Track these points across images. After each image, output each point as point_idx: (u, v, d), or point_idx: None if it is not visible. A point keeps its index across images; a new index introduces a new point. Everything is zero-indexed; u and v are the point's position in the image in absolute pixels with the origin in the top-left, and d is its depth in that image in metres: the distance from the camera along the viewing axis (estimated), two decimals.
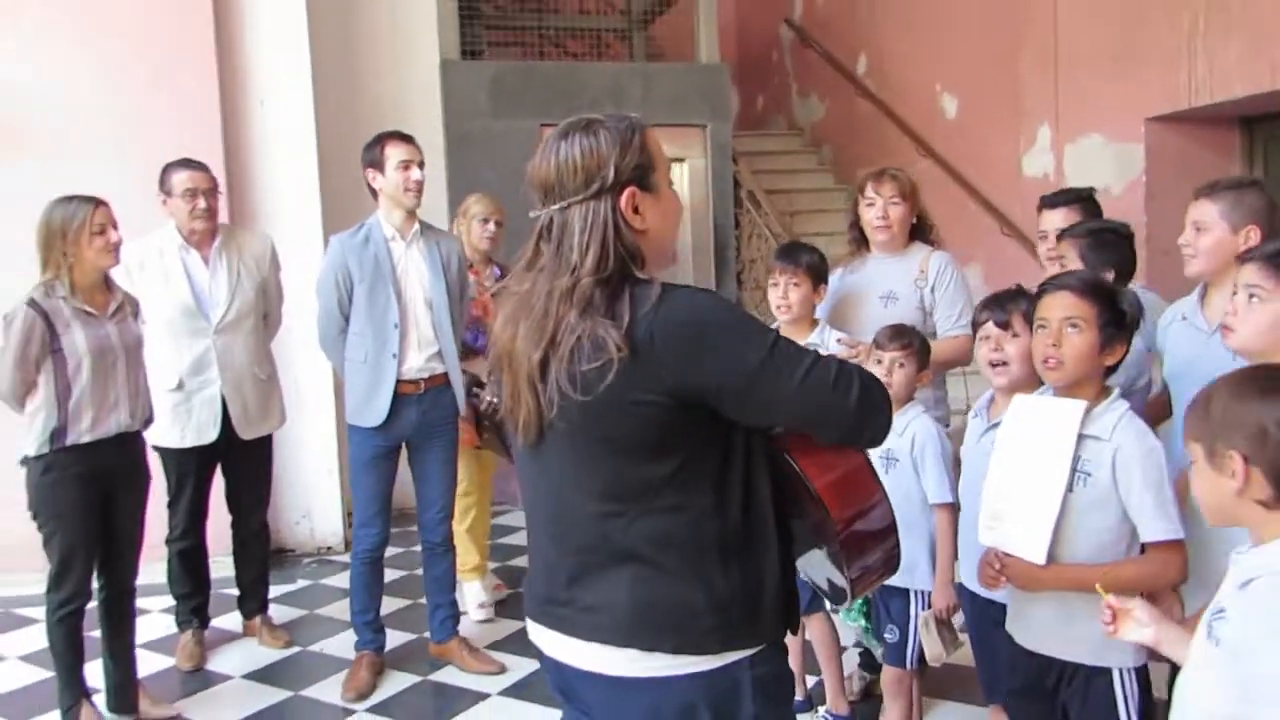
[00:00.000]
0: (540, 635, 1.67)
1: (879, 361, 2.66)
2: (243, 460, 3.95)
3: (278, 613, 4.38)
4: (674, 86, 6.52)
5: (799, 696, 3.27)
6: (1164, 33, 5.20)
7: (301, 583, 4.86)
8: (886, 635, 2.70)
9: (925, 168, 7.30)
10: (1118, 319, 2.06)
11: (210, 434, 3.81)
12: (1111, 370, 2.12)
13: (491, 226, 4.27)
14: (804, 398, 1.51)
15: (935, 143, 7.29)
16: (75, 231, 3.15)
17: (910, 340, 2.68)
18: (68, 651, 3.29)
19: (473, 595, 4.31)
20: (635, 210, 1.55)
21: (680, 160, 6.58)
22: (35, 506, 3.23)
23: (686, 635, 1.53)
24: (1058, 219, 3.07)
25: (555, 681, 1.70)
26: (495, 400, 2.25)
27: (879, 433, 1.62)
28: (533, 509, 1.71)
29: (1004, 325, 2.35)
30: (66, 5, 4.71)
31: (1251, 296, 1.98)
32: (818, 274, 3.04)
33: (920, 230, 3.28)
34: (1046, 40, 6.08)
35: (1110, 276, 2.58)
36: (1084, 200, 3.13)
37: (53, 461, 3.18)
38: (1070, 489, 2.02)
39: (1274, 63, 4.63)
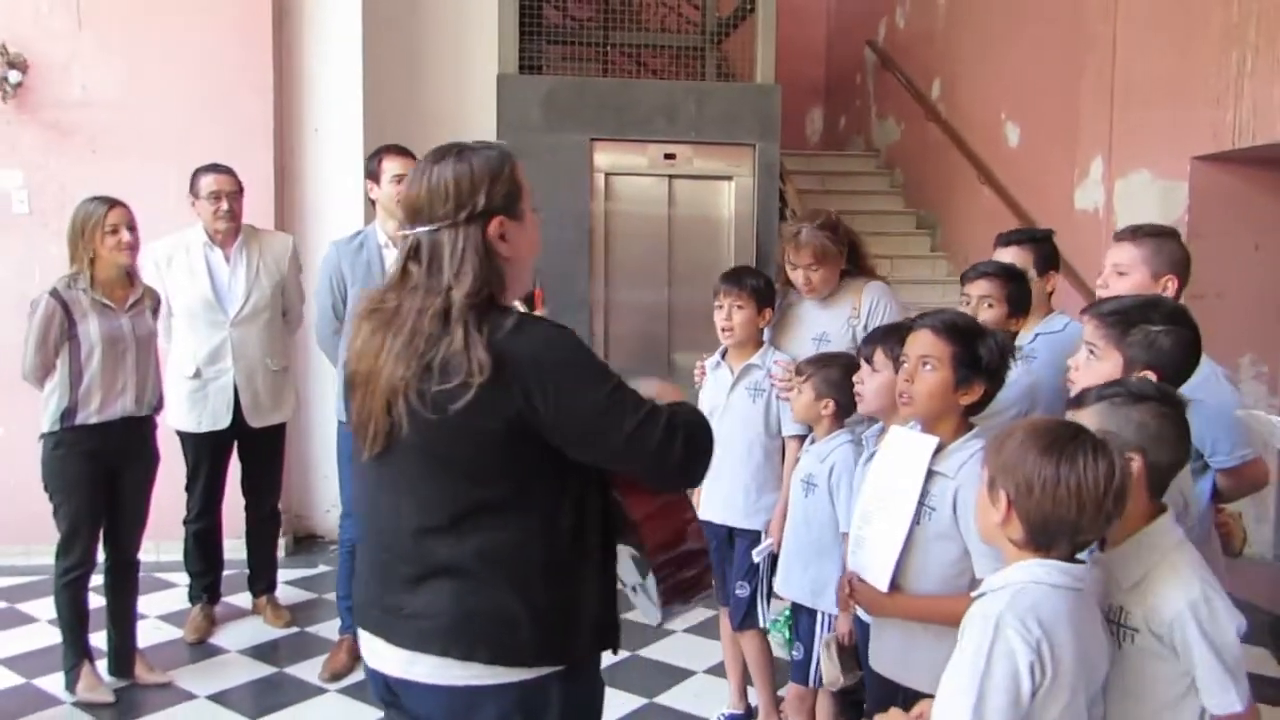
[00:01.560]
0: (369, 645, 1.73)
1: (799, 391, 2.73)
2: (255, 447, 4.21)
3: (293, 595, 4.64)
4: (726, 105, 6.58)
5: (737, 709, 3.34)
6: (1213, 70, 5.07)
7: (322, 568, 5.12)
8: (794, 653, 2.76)
9: (987, 195, 7.24)
10: (974, 360, 2.10)
11: (224, 420, 4.08)
12: (974, 409, 2.15)
13: None
14: (629, 449, 1.59)
15: (997, 170, 7.21)
16: (91, 230, 3.44)
17: (818, 366, 2.73)
18: (72, 615, 3.59)
19: None
20: (502, 238, 1.63)
21: (728, 178, 6.65)
22: (46, 479, 3.54)
23: (503, 646, 1.60)
24: (1007, 256, 3.04)
25: (376, 690, 1.77)
26: None
27: (693, 478, 1.70)
28: (368, 518, 1.77)
29: (869, 359, 2.40)
30: (142, 27, 5.08)
31: (1091, 353, 2.00)
32: (762, 298, 3.10)
33: (853, 260, 3.27)
34: (1105, 71, 5.96)
35: (1021, 322, 2.61)
36: (1038, 241, 3.09)
37: (62, 438, 3.48)
38: (917, 521, 2.07)
39: None
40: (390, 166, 3.70)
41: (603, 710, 1.80)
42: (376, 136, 5.48)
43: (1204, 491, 2.36)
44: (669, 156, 6.55)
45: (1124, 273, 2.49)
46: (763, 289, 3.11)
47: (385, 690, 1.73)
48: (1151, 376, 1.92)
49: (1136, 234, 2.52)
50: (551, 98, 6.34)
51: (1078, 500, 1.52)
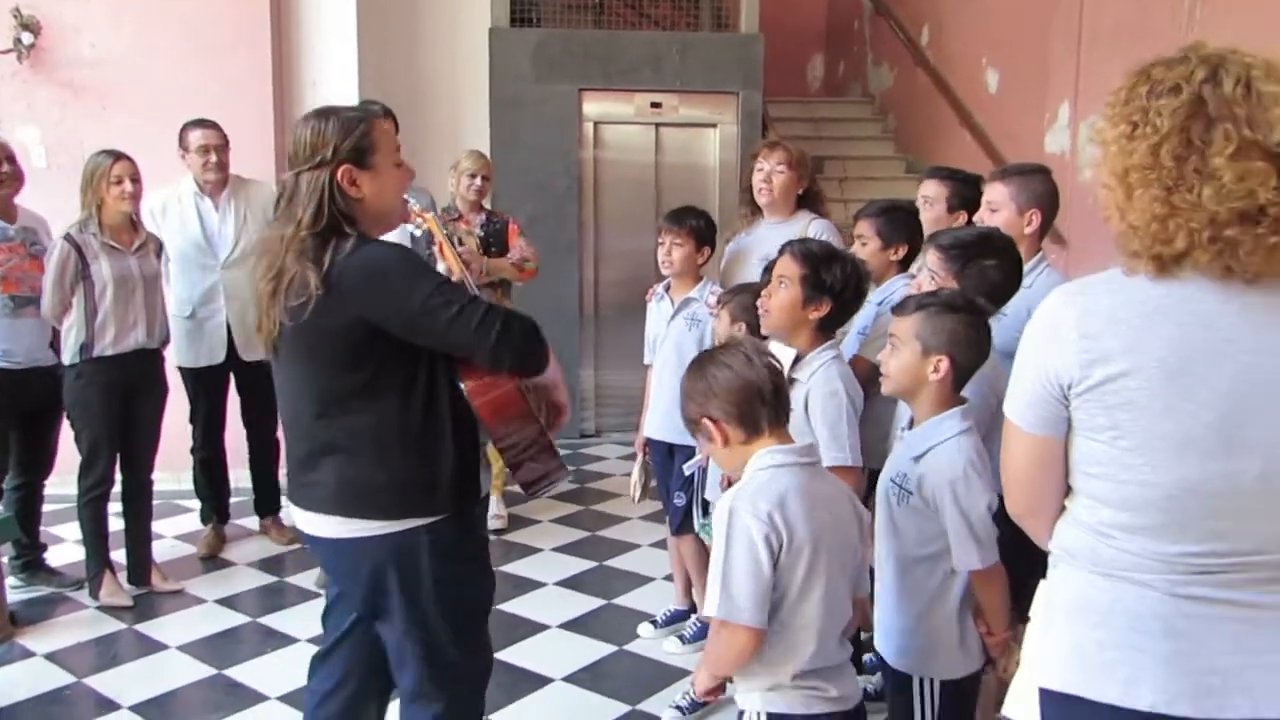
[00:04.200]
0: (294, 513, 2.14)
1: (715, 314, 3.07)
2: (250, 380, 4.58)
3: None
4: (710, 55, 6.82)
5: (681, 605, 3.72)
6: (1169, 17, 5.26)
7: None
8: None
9: (968, 140, 7.45)
10: (820, 281, 2.43)
11: (219, 355, 4.46)
12: (824, 324, 2.48)
13: (478, 181, 4.70)
14: (453, 329, 1.93)
15: (978, 115, 7.41)
16: (98, 180, 3.81)
17: (734, 294, 3.04)
18: (94, 529, 4.01)
19: (494, 508, 4.80)
20: (353, 182, 1.99)
21: (713, 126, 6.92)
22: (69, 407, 3.95)
23: (375, 506, 2.00)
24: (928, 188, 3.27)
25: (310, 547, 2.19)
26: None
27: (519, 364, 2.02)
28: (281, 409, 2.16)
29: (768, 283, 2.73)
30: None
31: (933, 278, 2.31)
32: (701, 236, 3.41)
33: (808, 200, 3.58)
34: (1073, 17, 6.13)
35: (904, 250, 2.92)
36: (960, 180, 3.33)
37: (82, 370, 3.87)
38: None
39: (1261, 50, 4.68)
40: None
41: (478, 554, 2.20)
42: (372, 89, 5.82)
43: None
44: (655, 105, 6.83)
45: (995, 209, 2.78)
46: (701, 228, 3.42)
47: (310, 542, 2.15)
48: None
49: (1005, 174, 2.81)
50: (541, 49, 6.61)
51: (727, 382, 1.83)
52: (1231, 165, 1.25)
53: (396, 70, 6.22)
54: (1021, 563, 1.87)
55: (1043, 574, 1.53)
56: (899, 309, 2.10)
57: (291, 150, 2.03)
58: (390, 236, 2.20)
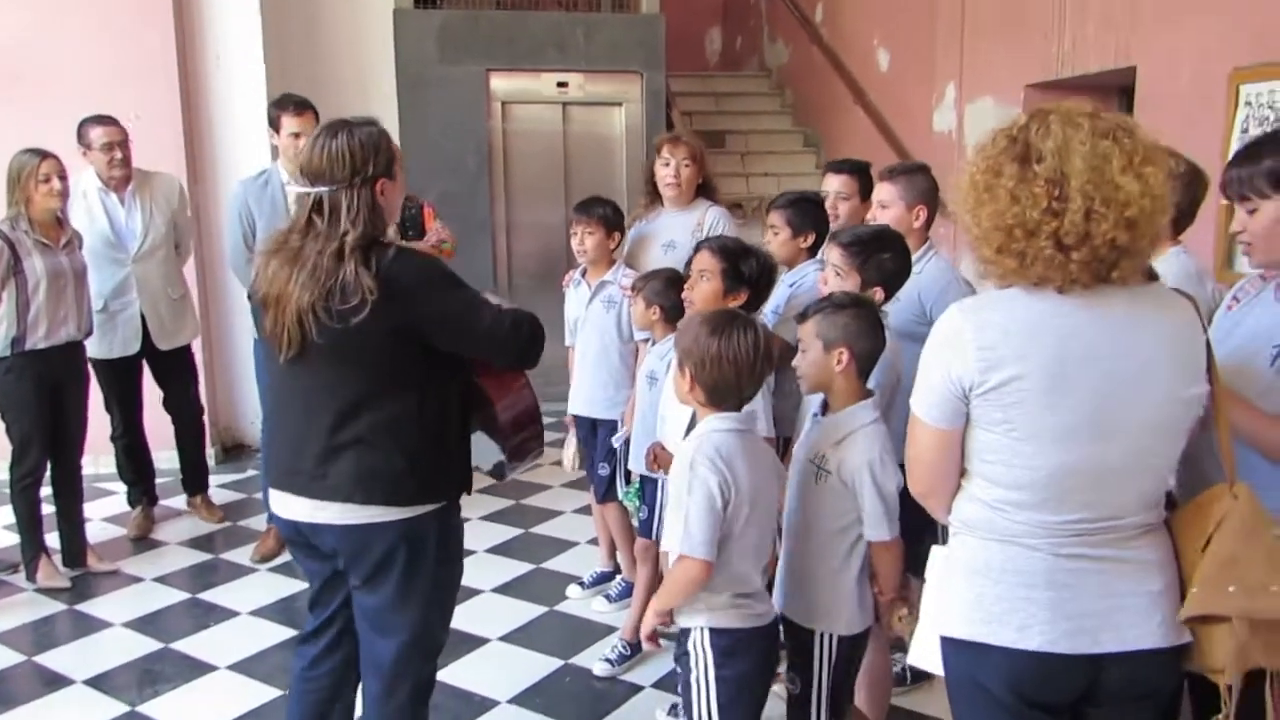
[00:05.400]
0: (283, 500, 2.25)
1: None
2: (167, 368, 4.71)
3: (225, 496, 5.17)
4: (613, 35, 7.03)
5: (606, 567, 4.01)
6: (1043, 7, 5.66)
7: (250, 472, 5.64)
8: (640, 514, 3.39)
9: (861, 116, 7.80)
10: (738, 274, 2.76)
11: (134, 346, 4.56)
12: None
13: None
14: (487, 337, 2.20)
15: (870, 92, 7.76)
16: (26, 178, 3.88)
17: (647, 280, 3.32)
18: (29, 515, 4.11)
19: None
20: (383, 194, 2.17)
21: (618, 104, 7.14)
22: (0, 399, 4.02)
23: (394, 493, 2.18)
24: (838, 183, 3.57)
25: (288, 534, 2.34)
26: None
27: (532, 360, 2.33)
28: (285, 405, 2.30)
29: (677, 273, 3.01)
30: None
31: (837, 274, 2.62)
32: (610, 223, 3.67)
33: (705, 188, 3.85)
34: (957, 3, 6.52)
35: (812, 238, 3.22)
36: (860, 171, 3.63)
37: (13, 363, 3.95)
38: None
39: (1119, 42, 5.10)
40: (288, 124, 4.16)
41: (459, 540, 2.41)
42: (276, 67, 5.88)
43: None
44: (562, 85, 7.02)
45: (886, 206, 3.09)
46: (609, 215, 3.68)
47: (294, 532, 2.32)
48: (881, 291, 2.59)
49: (893, 174, 3.12)
50: (446, 31, 6.74)
51: (735, 366, 2.16)
52: (1010, 191, 1.55)
53: (300, 51, 6.25)
54: (909, 532, 2.26)
55: (928, 541, 1.84)
56: (800, 318, 2.39)
57: (320, 165, 2.12)
58: None
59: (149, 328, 4.55)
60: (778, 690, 2.48)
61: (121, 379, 4.64)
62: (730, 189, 7.99)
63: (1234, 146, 4.31)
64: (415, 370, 2.18)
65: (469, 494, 2.38)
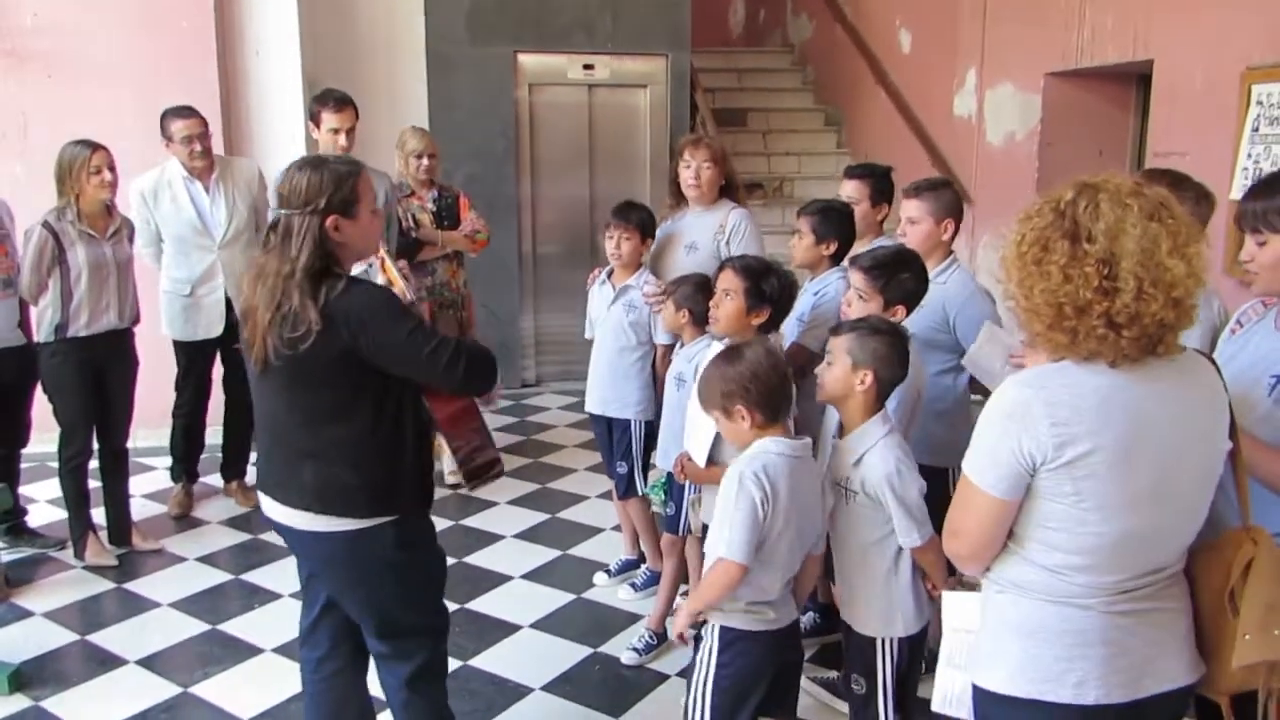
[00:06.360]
0: (265, 500, 2.44)
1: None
2: (237, 351, 4.84)
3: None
4: (640, 18, 7.07)
5: (630, 555, 4.16)
6: None
7: None
8: (667, 510, 3.53)
9: (882, 97, 7.84)
10: (760, 292, 2.90)
11: (217, 329, 4.72)
12: (765, 328, 2.96)
13: (425, 160, 4.97)
14: (428, 365, 2.27)
15: (892, 73, 7.80)
16: (78, 170, 4.00)
17: (678, 285, 3.44)
18: (76, 495, 4.28)
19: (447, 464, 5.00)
20: (336, 229, 2.28)
21: (643, 86, 7.21)
22: (45, 383, 4.19)
23: (348, 504, 2.32)
24: (850, 189, 3.68)
25: (281, 534, 2.51)
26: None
27: (473, 390, 2.42)
28: (260, 412, 2.45)
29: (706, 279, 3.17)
30: None
31: (860, 297, 2.73)
32: (645, 228, 3.77)
33: (729, 189, 3.92)
34: None
35: (835, 246, 3.33)
36: (877, 176, 3.72)
37: (57, 349, 4.11)
38: None
39: (1137, 34, 5.15)
40: (328, 120, 4.26)
41: (430, 541, 2.55)
42: (309, 51, 5.98)
43: (964, 380, 3.17)
44: (588, 67, 7.09)
45: (915, 222, 3.20)
46: (646, 220, 3.78)
47: (283, 534, 2.49)
48: (903, 309, 2.71)
49: (919, 190, 3.21)
50: (475, 13, 6.80)
51: (771, 373, 2.31)
52: (1062, 269, 1.61)
53: (334, 38, 6.36)
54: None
55: None
56: (835, 330, 2.51)
57: (285, 190, 2.29)
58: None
59: (233, 310, 4.68)
60: (807, 686, 2.64)
61: (200, 361, 4.81)
62: (752, 168, 8.07)
63: (1245, 146, 4.38)
64: (367, 392, 2.30)
65: (428, 506, 2.51)
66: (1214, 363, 1.79)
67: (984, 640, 1.84)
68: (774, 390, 2.35)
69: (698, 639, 2.47)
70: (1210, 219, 2.94)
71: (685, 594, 3.75)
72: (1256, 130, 4.31)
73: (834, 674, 3.22)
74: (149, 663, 3.54)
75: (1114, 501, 1.64)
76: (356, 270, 2.47)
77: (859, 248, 3.53)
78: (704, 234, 3.79)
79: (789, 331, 3.39)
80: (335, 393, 2.29)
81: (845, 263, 3.45)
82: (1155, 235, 1.58)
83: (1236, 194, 4.35)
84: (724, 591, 2.32)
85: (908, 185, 3.27)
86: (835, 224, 3.38)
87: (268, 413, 2.40)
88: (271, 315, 2.23)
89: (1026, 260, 1.66)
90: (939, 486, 2.62)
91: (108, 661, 3.55)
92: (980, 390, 3.10)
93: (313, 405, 2.31)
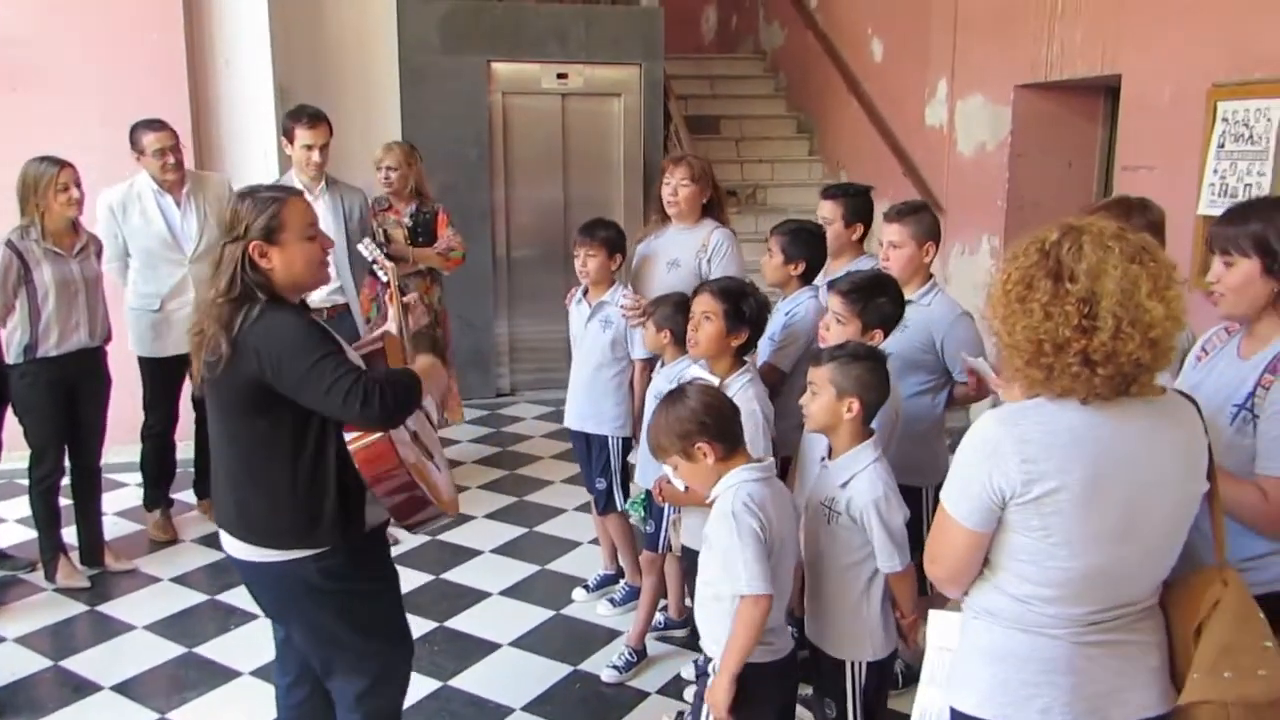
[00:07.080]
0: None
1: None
2: None
3: None
4: (613, 27, 7.09)
5: (609, 570, 4.17)
6: (1033, 10, 5.75)
7: None
8: (646, 527, 3.54)
9: (854, 105, 7.88)
10: (739, 314, 2.92)
11: (186, 345, 4.62)
12: (743, 349, 2.98)
13: (381, 173, 4.97)
14: (327, 398, 2.19)
15: (864, 82, 7.84)
16: (44, 187, 3.95)
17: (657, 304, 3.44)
18: (47, 515, 4.23)
19: None
20: (262, 255, 2.27)
21: (617, 95, 7.22)
22: (15, 404, 4.13)
23: (265, 534, 2.32)
24: (825, 210, 3.69)
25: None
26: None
27: (377, 424, 2.25)
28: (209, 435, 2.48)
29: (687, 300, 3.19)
30: None
31: (838, 320, 2.76)
32: (611, 245, 3.77)
33: (711, 208, 3.93)
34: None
35: (802, 266, 3.36)
36: (851, 196, 3.69)
37: (26, 370, 4.06)
38: None
39: (1105, 49, 5.21)
40: (301, 136, 4.25)
41: (377, 572, 2.51)
42: (282, 60, 5.94)
43: (942, 400, 3.21)
44: (562, 76, 7.09)
45: (898, 246, 3.23)
46: (612, 238, 3.78)
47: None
48: (880, 333, 2.75)
49: (901, 214, 3.24)
50: (449, 21, 6.78)
51: (716, 409, 2.34)
52: (1044, 306, 1.64)
53: (306, 47, 6.31)
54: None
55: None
56: (815, 360, 2.52)
57: (223, 219, 2.36)
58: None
59: None
60: (803, 716, 2.65)
61: (170, 378, 4.73)
62: (725, 175, 8.07)
63: (1211, 161, 4.45)
64: (284, 422, 2.28)
65: (358, 537, 2.39)
66: (1197, 405, 1.81)
67: (959, 663, 1.90)
68: (730, 419, 2.37)
69: (701, 675, 2.47)
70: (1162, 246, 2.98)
71: (664, 609, 3.79)
72: (1222, 146, 4.37)
73: (808, 690, 3.24)
74: (124, 688, 3.50)
75: (1080, 537, 1.67)
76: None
77: (838, 268, 3.58)
78: (686, 251, 3.80)
79: (761, 351, 3.41)
80: (254, 421, 2.29)
81: (817, 282, 3.49)
82: (1135, 277, 1.61)
83: (1204, 208, 4.41)
84: (759, 631, 2.29)
85: (889, 209, 3.30)
86: (804, 245, 3.41)
87: (211, 434, 2.44)
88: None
89: (1011, 298, 1.69)
90: (912, 506, 2.64)
91: (82, 688, 3.51)
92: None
93: (236, 432, 2.34)
